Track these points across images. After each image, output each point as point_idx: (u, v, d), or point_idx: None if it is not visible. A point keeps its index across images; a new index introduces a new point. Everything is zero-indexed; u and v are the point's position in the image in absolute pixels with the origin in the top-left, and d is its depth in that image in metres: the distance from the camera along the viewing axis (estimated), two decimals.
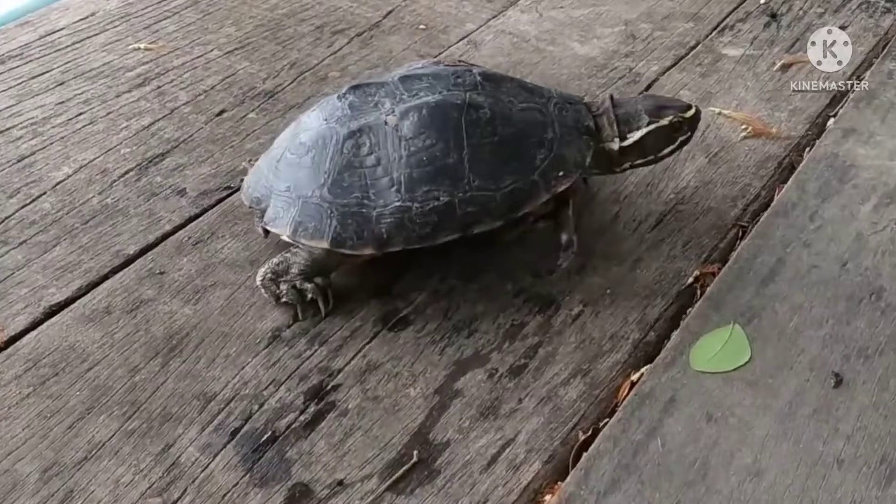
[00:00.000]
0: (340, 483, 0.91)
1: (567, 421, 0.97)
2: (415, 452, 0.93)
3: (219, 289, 1.12)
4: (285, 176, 1.07)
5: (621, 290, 1.12)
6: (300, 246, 1.07)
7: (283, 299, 1.08)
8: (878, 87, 1.49)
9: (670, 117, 1.13)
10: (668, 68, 1.56)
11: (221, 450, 0.94)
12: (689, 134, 1.15)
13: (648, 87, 1.51)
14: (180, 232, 1.21)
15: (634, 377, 1.02)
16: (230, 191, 1.27)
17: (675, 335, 1.06)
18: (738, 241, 1.19)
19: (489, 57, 1.58)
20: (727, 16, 1.72)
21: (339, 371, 1.02)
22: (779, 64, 1.56)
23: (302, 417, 0.97)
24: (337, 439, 0.95)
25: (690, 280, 1.13)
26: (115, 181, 1.29)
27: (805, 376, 1.00)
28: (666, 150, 1.15)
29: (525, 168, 1.06)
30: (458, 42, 1.63)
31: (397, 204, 1.03)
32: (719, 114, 1.43)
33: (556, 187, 1.07)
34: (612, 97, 1.15)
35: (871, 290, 1.11)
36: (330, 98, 1.10)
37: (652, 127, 1.12)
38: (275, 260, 1.09)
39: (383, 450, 0.94)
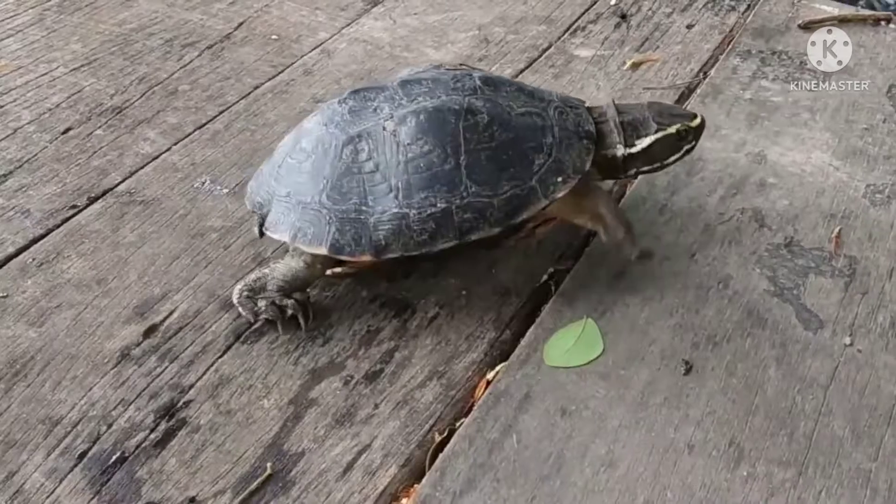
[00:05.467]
0: (192, 500, 0.89)
1: (423, 423, 0.97)
2: (268, 465, 0.92)
3: (65, 310, 1.09)
4: (286, 181, 1.05)
5: (477, 291, 1.12)
6: (297, 252, 1.06)
7: (263, 316, 1.06)
8: (724, 83, 1.53)
9: (678, 125, 1.12)
10: (522, 70, 1.57)
11: (68, 474, 0.91)
12: (693, 143, 1.14)
13: None
14: (24, 254, 1.16)
15: (490, 376, 1.02)
16: (77, 210, 1.23)
17: (529, 332, 1.07)
18: (591, 237, 1.20)
19: (343, 65, 1.57)
20: (578, 18, 1.74)
21: (191, 387, 1.00)
22: (629, 63, 1.59)
23: (152, 436, 0.95)
24: (189, 456, 0.93)
25: (545, 277, 1.14)
26: None
27: (656, 366, 1.02)
28: (671, 158, 1.14)
29: (523, 174, 1.04)
30: (311, 51, 1.61)
31: (395, 210, 1.01)
32: None
33: (555, 193, 1.05)
34: (614, 101, 1.14)
35: (719, 278, 1.13)
36: (331, 103, 1.08)
37: (660, 135, 1.11)
38: (251, 276, 1.07)
39: (236, 464, 0.92)
